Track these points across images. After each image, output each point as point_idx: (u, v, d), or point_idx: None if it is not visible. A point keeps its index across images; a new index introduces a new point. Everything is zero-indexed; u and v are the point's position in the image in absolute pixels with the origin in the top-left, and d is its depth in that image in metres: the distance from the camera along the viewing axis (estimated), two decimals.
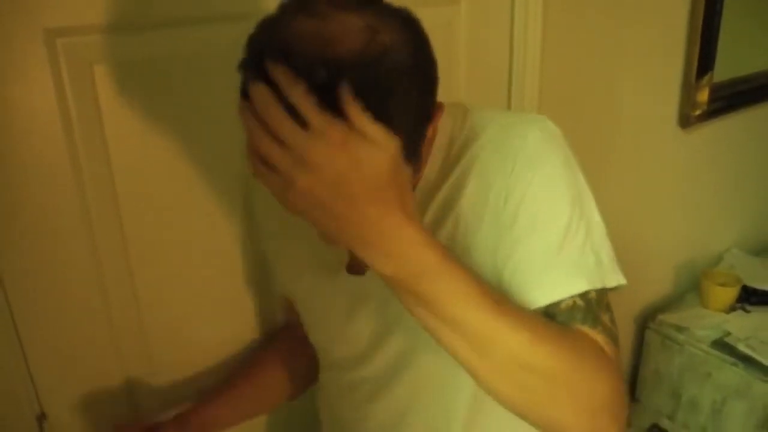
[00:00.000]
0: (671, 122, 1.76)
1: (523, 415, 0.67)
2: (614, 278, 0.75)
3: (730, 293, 1.88)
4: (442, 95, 0.67)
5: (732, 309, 1.91)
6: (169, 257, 1.00)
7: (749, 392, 1.71)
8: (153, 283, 1.00)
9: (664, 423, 1.91)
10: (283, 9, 0.61)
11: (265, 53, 0.57)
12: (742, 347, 1.75)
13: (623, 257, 1.57)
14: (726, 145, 1.92)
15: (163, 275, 1.00)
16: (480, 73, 1.28)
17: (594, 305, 0.72)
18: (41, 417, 0.95)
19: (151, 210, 0.96)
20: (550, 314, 0.71)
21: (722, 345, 1.78)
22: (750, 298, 1.94)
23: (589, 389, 0.66)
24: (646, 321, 1.92)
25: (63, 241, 0.90)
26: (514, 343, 0.63)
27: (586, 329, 0.70)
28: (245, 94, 0.58)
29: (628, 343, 1.99)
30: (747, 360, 1.72)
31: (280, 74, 0.55)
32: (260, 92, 0.55)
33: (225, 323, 1.11)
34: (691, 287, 2.00)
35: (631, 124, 1.62)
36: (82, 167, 0.88)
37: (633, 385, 2.03)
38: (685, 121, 1.79)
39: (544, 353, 0.64)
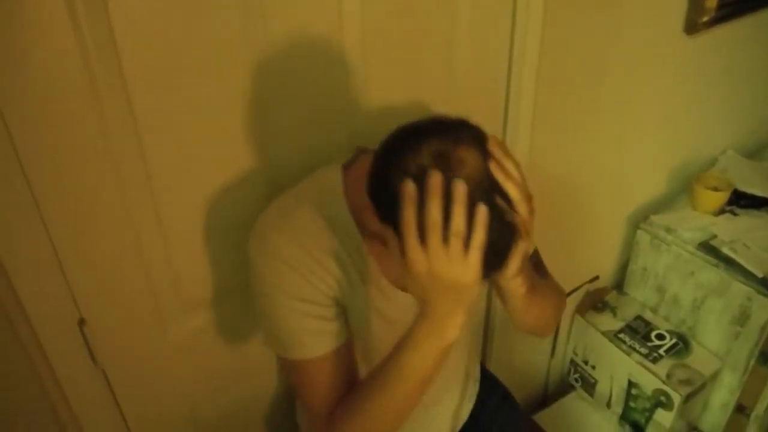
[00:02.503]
0: (677, 28, 1.77)
1: (538, 329, 1.16)
2: None
3: (720, 197, 1.96)
4: None
5: (721, 212, 1.99)
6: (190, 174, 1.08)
7: (727, 292, 1.83)
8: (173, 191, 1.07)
9: (648, 315, 2.05)
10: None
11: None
12: (725, 250, 1.84)
13: (621, 160, 1.68)
14: (727, 50, 1.93)
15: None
16: None
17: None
18: (81, 322, 1.06)
19: (171, 126, 1.01)
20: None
21: (707, 247, 1.88)
22: (740, 201, 2.01)
23: (563, 308, 1.23)
24: (638, 221, 2.02)
25: (85, 152, 0.95)
26: (555, 298, 1.16)
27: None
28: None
29: (620, 241, 2.09)
30: (729, 262, 1.82)
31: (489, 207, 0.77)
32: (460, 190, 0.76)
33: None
34: (683, 189, 2.07)
35: (637, 30, 1.63)
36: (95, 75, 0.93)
37: (622, 279, 2.15)
38: (692, 27, 1.79)
39: (561, 299, 1.20)
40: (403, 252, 0.79)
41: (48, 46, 0.86)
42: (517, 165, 0.81)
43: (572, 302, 2.04)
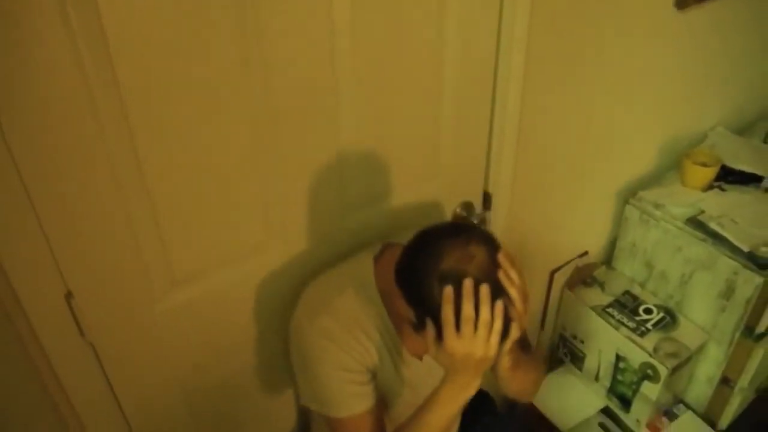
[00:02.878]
0: (668, 3, 1.76)
1: (523, 396, 1.41)
2: None
3: (708, 173, 1.97)
4: None
5: (709, 187, 2.00)
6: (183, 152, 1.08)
7: (714, 266, 1.84)
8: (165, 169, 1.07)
9: (636, 290, 2.06)
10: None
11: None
12: (713, 225, 1.86)
13: (611, 136, 1.67)
14: (718, 25, 1.93)
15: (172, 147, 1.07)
16: None
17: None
18: (68, 296, 1.06)
19: (161, 103, 1.01)
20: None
21: (695, 222, 1.89)
22: (728, 177, 2.03)
23: (542, 377, 1.47)
24: (627, 196, 2.02)
25: (72, 128, 0.95)
26: (533, 372, 1.37)
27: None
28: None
29: (609, 217, 2.10)
30: (716, 237, 1.84)
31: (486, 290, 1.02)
32: (485, 293, 1.01)
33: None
34: (673, 165, 2.08)
35: (628, 4, 1.63)
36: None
37: (611, 254, 2.16)
38: (682, 1, 1.79)
39: (540, 374, 1.42)
40: (441, 337, 1.04)
41: None
42: (519, 272, 1.05)
43: (561, 277, 2.05)
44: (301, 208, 1.29)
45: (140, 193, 1.06)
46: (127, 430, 1.30)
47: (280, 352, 1.45)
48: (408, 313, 1.09)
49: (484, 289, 1.01)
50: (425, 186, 1.47)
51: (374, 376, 1.23)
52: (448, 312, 1.02)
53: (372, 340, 1.21)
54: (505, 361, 1.22)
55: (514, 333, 1.08)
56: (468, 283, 1.01)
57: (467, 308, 1.01)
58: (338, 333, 1.17)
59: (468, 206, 1.57)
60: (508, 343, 1.11)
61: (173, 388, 1.32)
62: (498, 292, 1.03)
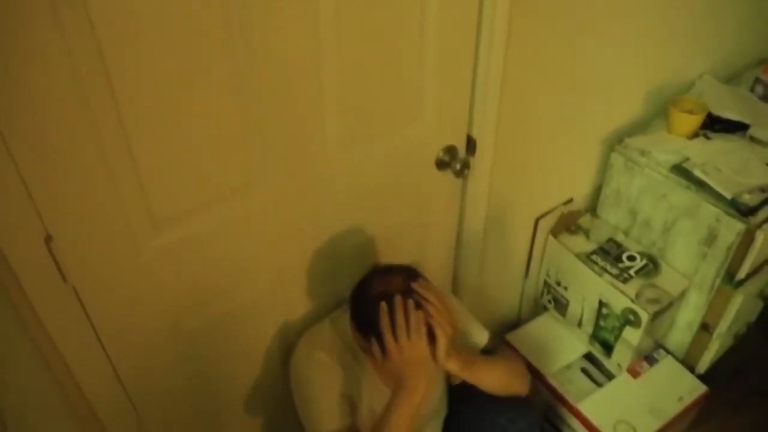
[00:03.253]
0: None
1: (499, 391, 1.55)
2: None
3: (694, 121, 1.97)
4: None
5: (695, 135, 2.00)
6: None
7: (697, 213, 1.85)
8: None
9: (620, 237, 2.08)
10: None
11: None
12: (697, 172, 1.86)
13: (598, 82, 1.65)
14: None
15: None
16: None
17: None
18: (48, 239, 1.05)
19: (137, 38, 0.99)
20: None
21: (680, 169, 1.89)
22: (714, 125, 2.02)
23: (523, 371, 1.61)
24: (613, 144, 2.02)
25: (46, 68, 0.93)
26: (499, 366, 1.56)
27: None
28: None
29: (595, 164, 2.10)
30: (700, 184, 1.84)
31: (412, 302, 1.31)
32: (410, 305, 1.30)
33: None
34: (659, 113, 2.07)
35: None
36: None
37: (596, 202, 2.17)
38: None
39: (508, 364, 1.59)
40: (383, 348, 1.29)
41: None
42: (436, 293, 1.34)
43: (546, 224, 2.06)
44: (283, 151, 1.28)
45: (117, 135, 1.05)
46: (113, 375, 1.31)
47: (266, 293, 1.46)
48: (360, 341, 1.36)
49: (410, 302, 1.29)
50: (408, 128, 1.46)
51: (354, 406, 1.46)
52: (384, 322, 1.28)
53: (355, 376, 1.46)
54: (453, 365, 1.39)
55: (441, 339, 1.31)
56: (397, 300, 1.29)
57: (399, 317, 1.28)
58: (329, 364, 1.44)
59: (451, 150, 1.56)
60: (442, 346, 1.32)
61: (158, 332, 1.33)
62: (419, 306, 1.30)
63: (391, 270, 1.37)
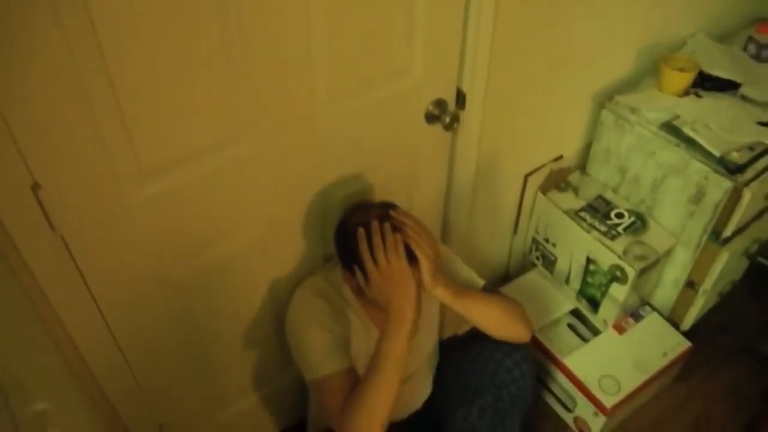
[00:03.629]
0: None
1: (500, 331, 1.55)
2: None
3: (685, 78, 1.96)
4: None
5: (686, 93, 2.00)
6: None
7: (686, 170, 1.86)
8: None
9: (609, 195, 2.09)
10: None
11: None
12: (687, 130, 1.87)
13: (590, 38, 1.62)
14: None
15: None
16: None
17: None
18: (35, 187, 1.05)
19: None
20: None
21: (669, 127, 1.90)
22: (705, 83, 2.02)
23: (523, 313, 1.57)
24: (603, 101, 2.02)
25: (28, 10, 0.92)
26: (495, 302, 1.54)
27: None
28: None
29: (585, 121, 2.10)
30: (689, 142, 1.85)
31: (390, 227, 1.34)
32: (387, 229, 1.32)
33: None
34: (651, 70, 2.07)
35: None
36: None
37: (585, 160, 2.18)
38: None
39: (505, 303, 1.56)
40: (365, 274, 1.32)
41: None
42: (414, 218, 1.38)
43: (536, 181, 2.07)
44: (272, 101, 1.28)
45: (103, 84, 1.04)
46: (103, 325, 1.32)
47: (255, 244, 1.46)
48: (350, 281, 1.40)
49: (387, 225, 1.32)
50: (398, 80, 1.45)
51: (349, 346, 1.45)
52: (363, 247, 1.31)
53: (346, 318, 1.47)
54: (442, 292, 1.40)
55: (423, 260, 1.33)
56: (374, 224, 1.31)
57: (376, 238, 1.30)
58: (323, 306, 1.45)
59: (441, 103, 1.56)
60: (425, 268, 1.34)
61: (149, 281, 1.34)
62: (396, 230, 1.32)
63: (369, 204, 1.41)
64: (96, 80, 1.03)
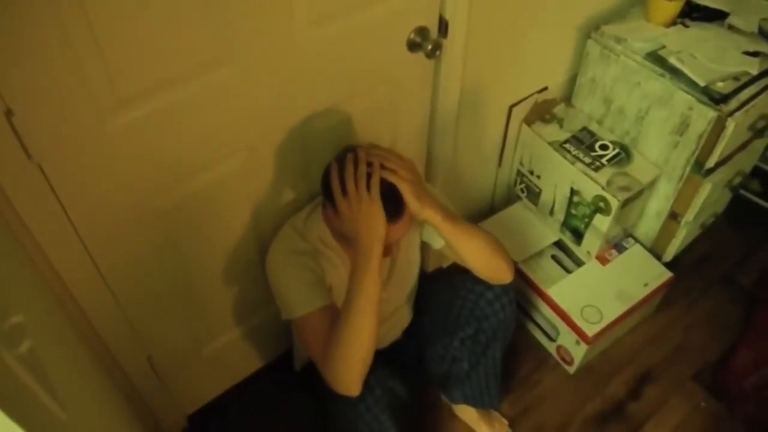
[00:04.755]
0: None
1: (483, 265, 1.53)
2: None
3: (672, 8, 1.93)
4: None
5: (673, 23, 1.97)
6: None
7: (670, 101, 1.86)
8: None
9: (593, 126, 2.08)
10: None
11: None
12: (672, 60, 1.85)
13: None
14: None
15: None
16: None
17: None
18: (9, 113, 1.03)
19: None
20: None
21: (655, 57, 1.88)
22: (692, 13, 2.00)
23: (506, 252, 1.54)
24: (589, 31, 1.99)
25: None
26: (483, 235, 1.50)
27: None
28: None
29: (570, 52, 2.07)
30: (674, 72, 1.84)
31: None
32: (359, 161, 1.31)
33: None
34: (638, 0, 2.04)
35: None
36: None
37: (570, 92, 2.16)
38: None
39: (492, 237, 1.52)
40: (337, 208, 1.30)
41: None
42: (392, 150, 1.37)
43: (520, 112, 2.06)
44: (252, 23, 1.25)
45: (77, 6, 1.01)
46: (85, 253, 1.32)
47: (236, 172, 1.46)
48: (327, 213, 1.41)
49: (360, 156, 1.30)
50: (378, 5, 1.42)
51: (329, 284, 1.47)
52: (334, 179, 1.30)
53: (326, 255, 1.48)
54: (432, 215, 1.36)
55: (402, 184, 1.30)
56: (348, 155, 1.31)
57: (348, 167, 1.29)
58: (303, 247, 1.45)
59: (423, 31, 1.53)
60: (407, 191, 1.30)
61: (129, 209, 1.33)
62: (373, 166, 1.30)
63: (357, 146, 1.37)
64: (70, 2, 1.00)
